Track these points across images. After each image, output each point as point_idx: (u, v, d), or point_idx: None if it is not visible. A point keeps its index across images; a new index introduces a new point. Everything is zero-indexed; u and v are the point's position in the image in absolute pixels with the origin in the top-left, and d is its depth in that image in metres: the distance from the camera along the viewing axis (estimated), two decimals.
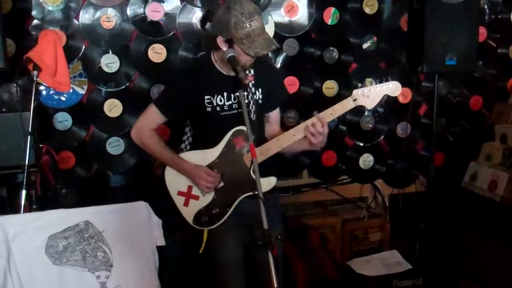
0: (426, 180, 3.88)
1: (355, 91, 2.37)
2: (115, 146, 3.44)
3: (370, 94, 2.36)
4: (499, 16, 4.12)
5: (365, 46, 3.82)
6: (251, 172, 2.17)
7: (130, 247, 2.70)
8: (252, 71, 2.44)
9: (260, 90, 2.47)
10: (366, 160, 3.97)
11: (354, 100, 2.37)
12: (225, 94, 2.39)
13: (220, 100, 2.40)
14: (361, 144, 3.98)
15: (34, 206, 2.81)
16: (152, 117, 2.49)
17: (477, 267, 3.50)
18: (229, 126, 2.42)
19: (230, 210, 2.47)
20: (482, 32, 3.97)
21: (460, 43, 3.50)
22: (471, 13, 3.51)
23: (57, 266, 2.53)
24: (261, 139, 2.47)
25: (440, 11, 3.44)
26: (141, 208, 2.72)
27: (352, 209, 4.01)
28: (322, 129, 2.33)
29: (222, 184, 2.46)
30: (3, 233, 2.43)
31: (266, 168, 2.30)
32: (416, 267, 3.48)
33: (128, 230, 2.69)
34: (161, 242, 2.77)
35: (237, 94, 2.36)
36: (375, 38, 3.82)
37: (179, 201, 2.51)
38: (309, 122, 2.36)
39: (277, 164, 2.54)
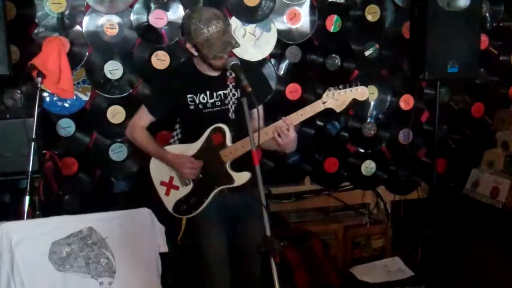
0: (428, 186, 3.89)
1: (325, 94, 2.43)
2: (118, 152, 3.45)
3: (339, 97, 2.43)
4: (500, 24, 4.13)
5: (367, 53, 3.84)
6: (227, 166, 2.52)
7: (133, 253, 2.70)
8: (233, 74, 2.51)
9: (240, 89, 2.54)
10: (368, 167, 3.98)
11: (324, 102, 2.43)
12: (207, 92, 2.55)
13: (203, 98, 2.56)
14: (363, 151, 3.99)
15: (37, 212, 2.82)
16: (142, 116, 2.67)
17: (479, 274, 3.49)
18: (211, 122, 2.56)
19: (207, 201, 2.61)
20: (484, 39, 3.98)
21: (461, 51, 3.51)
22: (473, 20, 3.52)
23: (60, 273, 2.53)
24: (241, 136, 2.52)
25: (442, 18, 3.45)
26: (144, 215, 2.73)
27: (354, 216, 4.01)
28: (287, 132, 2.40)
29: (200, 176, 2.62)
30: (6, 240, 2.43)
31: (242, 164, 2.50)
32: (418, 274, 3.48)
33: (131, 236, 2.69)
34: (164, 249, 2.77)
35: (220, 92, 2.54)
36: (377, 46, 3.84)
37: (161, 190, 2.70)
38: (277, 123, 2.43)
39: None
